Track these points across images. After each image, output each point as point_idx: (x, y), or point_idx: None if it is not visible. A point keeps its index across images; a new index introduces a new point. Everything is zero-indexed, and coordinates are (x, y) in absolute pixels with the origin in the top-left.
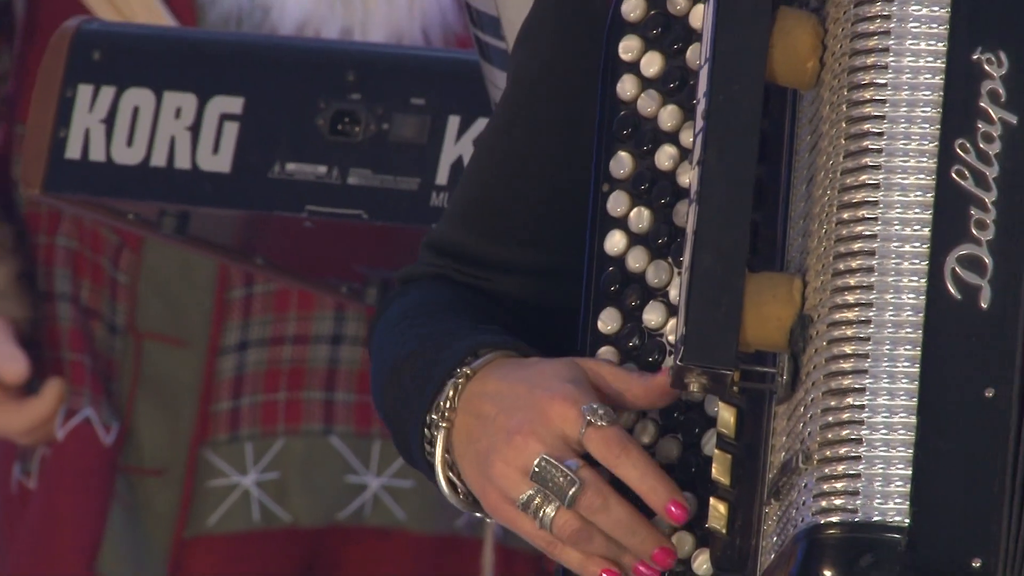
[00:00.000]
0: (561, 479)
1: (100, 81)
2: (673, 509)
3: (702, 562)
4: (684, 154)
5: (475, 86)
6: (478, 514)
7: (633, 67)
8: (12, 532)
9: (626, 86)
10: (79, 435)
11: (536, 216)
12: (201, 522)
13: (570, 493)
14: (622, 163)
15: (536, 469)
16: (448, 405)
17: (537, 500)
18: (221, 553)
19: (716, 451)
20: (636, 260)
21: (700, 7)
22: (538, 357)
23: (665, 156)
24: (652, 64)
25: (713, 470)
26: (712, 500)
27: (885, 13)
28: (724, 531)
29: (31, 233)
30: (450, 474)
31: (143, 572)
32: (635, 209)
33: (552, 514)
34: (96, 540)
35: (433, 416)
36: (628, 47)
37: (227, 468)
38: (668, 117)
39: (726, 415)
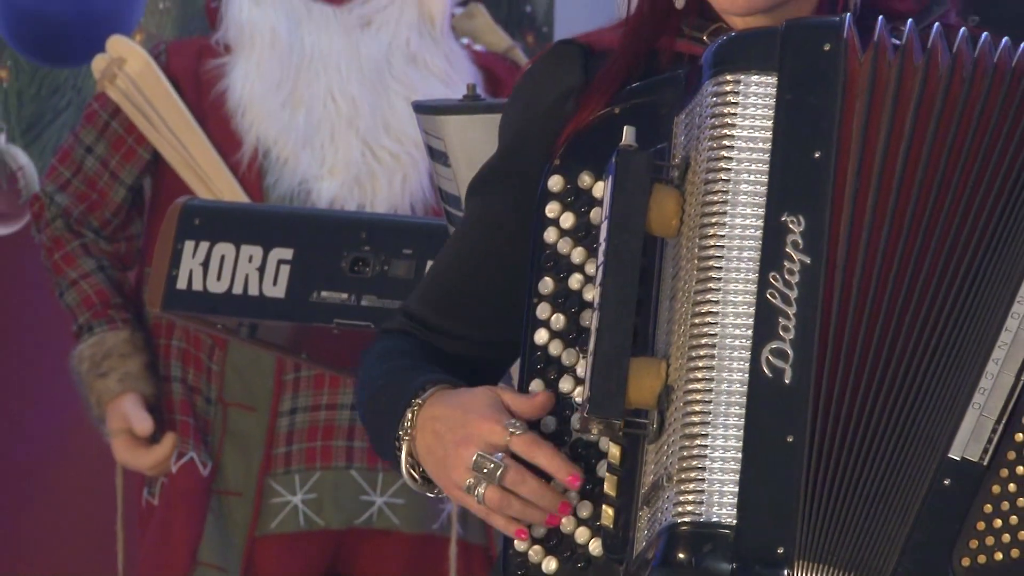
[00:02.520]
0: (491, 466)
1: (199, 238)
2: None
3: (595, 547)
4: (587, 279)
5: (444, 241)
6: (432, 492)
7: (555, 221)
8: (142, 534)
9: (550, 234)
10: (186, 469)
11: (475, 305)
12: (266, 526)
13: (497, 474)
14: (546, 284)
15: (474, 462)
16: (408, 426)
17: (474, 483)
18: (278, 547)
19: (607, 474)
20: (555, 349)
21: (601, 183)
22: (465, 388)
23: (575, 280)
24: (567, 220)
25: (604, 486)
26: (604, 506)
27: (724, 189)
28: (612, 527)
29: (155, 337)
30: (412, 471)
31: (228, 561)
32: (555, 315)
33: (484, 491)
34: (197, 539)
35: (399, 433)
36: (552, 208)
37: (283, 491)
38: (577, 255)
39: (614, 450)
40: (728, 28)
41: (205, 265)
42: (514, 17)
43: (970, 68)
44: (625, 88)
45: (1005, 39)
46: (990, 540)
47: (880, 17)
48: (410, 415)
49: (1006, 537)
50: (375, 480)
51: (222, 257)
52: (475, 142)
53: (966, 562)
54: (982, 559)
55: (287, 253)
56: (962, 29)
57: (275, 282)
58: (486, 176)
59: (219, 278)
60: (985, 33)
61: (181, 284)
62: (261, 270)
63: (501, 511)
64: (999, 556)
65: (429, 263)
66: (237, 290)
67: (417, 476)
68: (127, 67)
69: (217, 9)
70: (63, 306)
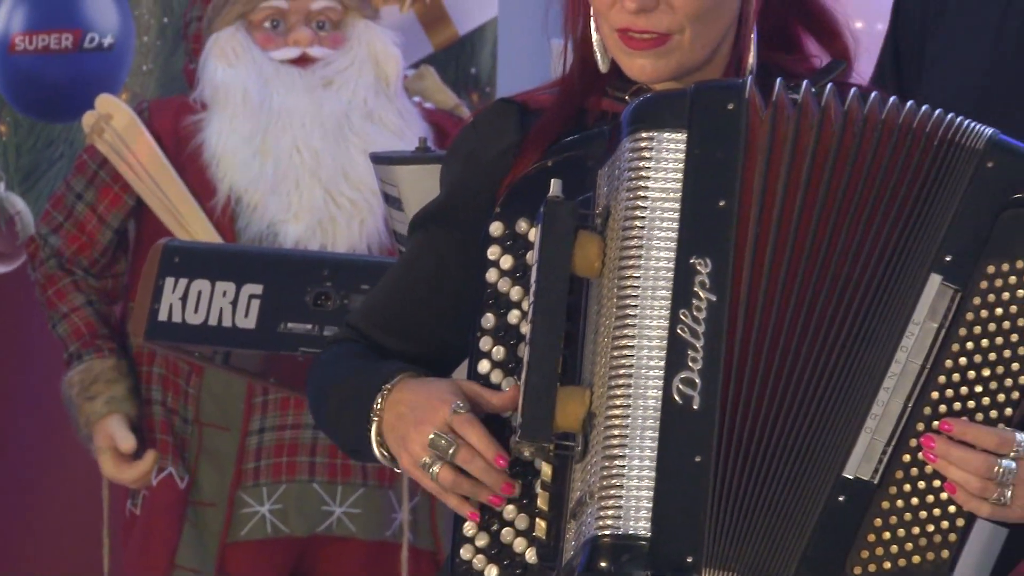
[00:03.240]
0: (444, 444)
1: (178, 275)
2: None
3: (530, 556)
4: (524, 315)
5: None
6: (397, 469)
7: (495, 263)
8: (126, 541)
9: (491, 275)
10: (165, 483)
11: (413, 326)
12: (237, 534)
13: (450, 452)
14: (488, 320)
15: (430, 440)
16: (378, 407)
17: (429, 461)
18: (248, 552)
19: (540, 491)
20: (496, 377)
21: (535, 229)
22: (431, 377)
23: (513, 316)
24: (506, 262)
25: (538, 501)
26: (538, 519)
27: (640, 235)
28: (544, 538)
29: (138, 364)
30: (380, 449)
31: (203, 565)
32: (495, 347)
33: (437, 470)
34: (175, 545)
35: (370, 415)
36: (493, 251)
37: (252, 502)
38: (515, 293)
39: (546, 469)
40: (647, 89)
41: (183, 299)
42: (460, 78)
43: (860, 123)
44: (557, 143)
45: (893, 97)
46: (880, 551)
47: (779, 79)
48: (380, 399)
49: (894, 548)
50: (335, 492)
51: (199, 292)
52: (426, 189)
53: (858, 571)
54: (872, 568)
55: (257, 288)
56: (853, 88)
57: (246, 314)
58: (430, 214)
59: (196, 311)
60: (875, 92)
61: (162, 316)
62: (234, 304)
63: (453, 489)
64: (888, 565)
65: None
66: (212, 322)
67: (385, 452)
68: (114, 122)
69: (195, 71)
70: (56, 336)
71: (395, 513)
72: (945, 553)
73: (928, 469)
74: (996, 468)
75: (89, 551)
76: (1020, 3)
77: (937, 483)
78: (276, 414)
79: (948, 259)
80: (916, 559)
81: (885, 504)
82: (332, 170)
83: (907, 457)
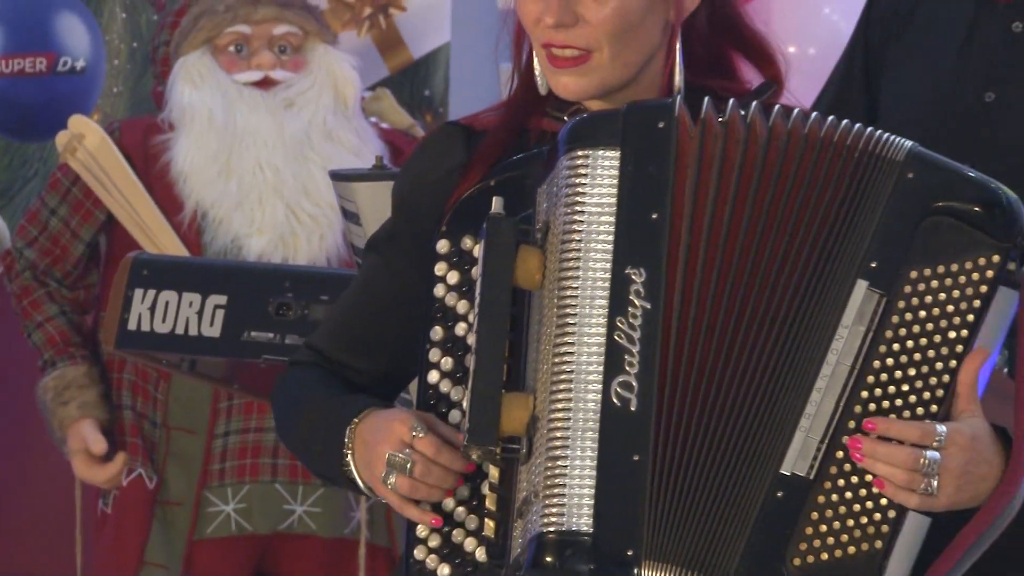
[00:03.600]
0: (401, 458)
1: (147, 287)
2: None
3: (480, 554)
4: (471, 327)
5: None
6: (370, 495)
7: (443, 279)
8: (97, 538)
9: (439, 290)
10: (135, 483)
11: (370, 344)
12: (203, 531)
13: (407, 466)
14: (437, 332)
15: (387, 458)
16: (347, 442)
17: (388, 474)
18: (214, 549)
19: (488, 492)
20: (445, 387)
21: (479, 245)
22: (392, 409)
23: (460, 328)
24: (453, 277)
25: (487, 502)
26: (486, 519)
27: (577, 248)
28: (493, 537)
29: (109, 370)
30: (357, 477)
31: (171, 561)
32: (444, 358)
33: (394, 480)
34: (144, 542)
35: (344, 451)
36: (440, 267)
37: (217, 501)
38: (462, 307)
39: (494, 472)
40: (585, 109)
41: (152, 309)
42: (415, 99)
43: (784, 138)
44: (500, 163)
45: (815, 113)
46: (817, 543)
47: (707, 98)
48: (350, 432)
49: (830, 540)
50: (296, 492)
51: (166, 303)
52: (382, 205)
53: (797, 562)
54: (811, 559)
55: (222, 299)
56: (777, 105)
57: (212, 324)
58: (382, 236)
59: (164, 320)
60: (798, 108)
61: (132, 326)
62: (200, 313)
63: (411, 494)
64: (825, 556)
65: None
66: (179, 331)
67: (364, 484)
68: (86, 142)
69: (163, 93)
70: (31, 344)
71: (353, 512)
72: (879, 544)
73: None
74: (921, 460)
75: (63, 548)
76: (980, 39)
77: (869, 477)
78: (240, 418)
79: (873, 265)
80: (851, 550)
81: (821, 498)
82: (293, 187)
83: (840, 453)
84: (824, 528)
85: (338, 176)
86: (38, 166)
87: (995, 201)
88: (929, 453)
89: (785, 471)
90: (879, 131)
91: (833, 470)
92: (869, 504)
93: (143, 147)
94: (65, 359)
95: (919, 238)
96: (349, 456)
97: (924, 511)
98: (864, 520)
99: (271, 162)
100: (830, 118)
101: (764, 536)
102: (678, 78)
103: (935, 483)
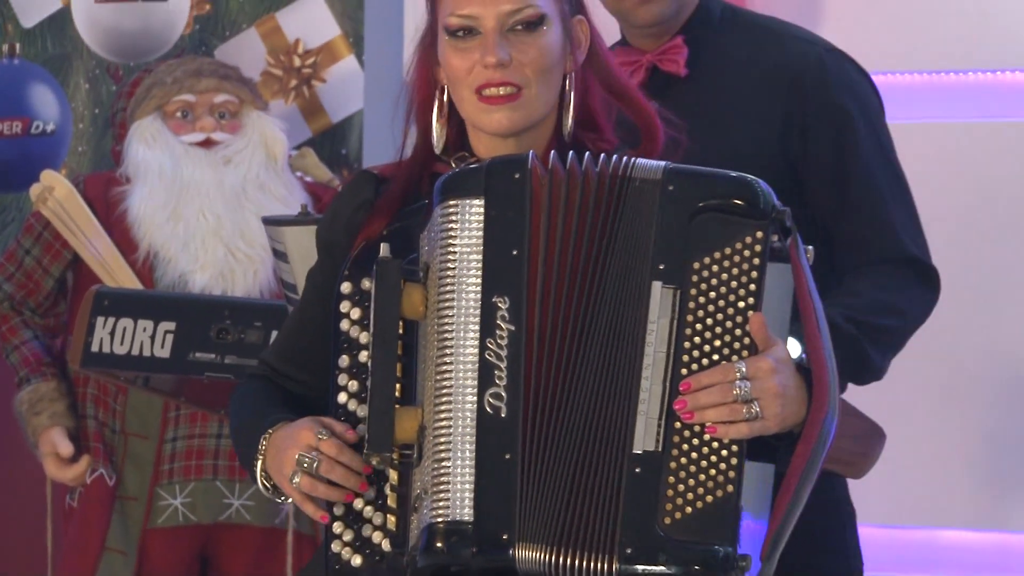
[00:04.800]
0: (308, 460)
1: (108, 315)
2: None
3: (385, 545)
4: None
5: (284, 315)
6: (280, 499)
7: (347, 315)
8: (66, 529)
9: (344, 324)
10: (97, 481)
11: (308, 359)
12: (155, 522)
13: (314, 466)
14: (343, 360)
15: (296, 459)
16: (262, 449)
17: (294, 473)
18: (164, 537)
19: (389, 492)
20: (352, 405)
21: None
22: (300, 419)
23: (363, 356)
24: (355, 313)
25: (389, 500)
26: (389, 515)
27: (452, 283)
28: (395, 530)
29: (75, 385)
30: (264, 481)
31: (128, 547)
32: (350, 382)
33: (299, 480)
34: (105, 531)
35: (256, 455)
36: (344, 305)
37: (167, 496)
38: (363, 337)
39: (393, 475)
40: (469, 155)
41: (112, 334)
42: (334, 157)
43: (595, 179)
44: (399, 212)
45: (615, 155)
46: (680, 501)
47: (553, 152)
48: (263, 442)
49: (690, 496)
50: (233, 488)
51: (124, 328)
52: (306, 246)
53: (667, 521)
54: (678, 515)
55: (171, 325)
56: (602, 154)
57: (162, 346)
58: (315, 268)
59: (122, 343)
60: (604, 154)
61: (94, 348)
62: (152, 337)
63: (311, 492)
64: (689, 510)
65: (274, 332)
66: (135, 352)
67: (268, 486)
68: (55, 193)
69: (120, 151)
70: (8, 364)
71: (283, 506)
72: (730, 488)
73: (698, 428)
74: (734, 391)
75: (35, 537)
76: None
77: (707, 436)
78: (186, 426)
79: (662, 267)
80: (709, 499)
81: (673, 465)
82: (231, 231)
83: (678, 424)
84: (682, 487)
85: (269, 221)
86: (15, 213)
87: (746, 189)
88: (739, 383)
89: (637, 450)
90: (636, 159)
91: (676, 439)
92: (713, 458)
93: (104, 197)
94: (38, 376)
95: (693, 235)
96: (259, 463)
97: (762, 436)
98: (713, 472)
99: (212, 210)
100: (614, 156)
101: (634, 507)
102: (570, 123)
103: (756, 408)
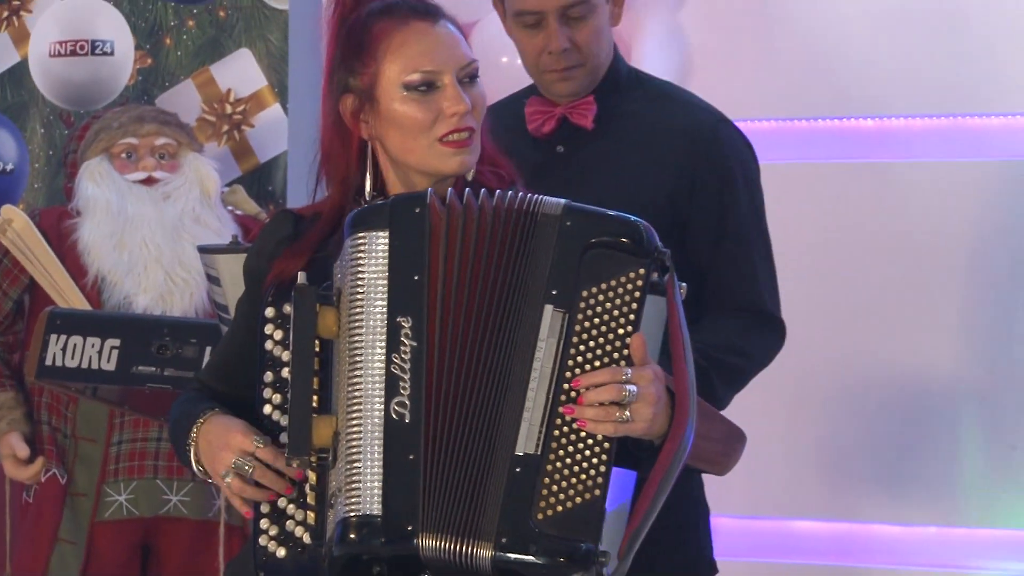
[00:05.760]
0: (241, 463)
1: (60, 332)
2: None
3: (306, 538)
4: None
5: (217, 333)
6: (208, 479)
7: (270, 336)
8: (22, 522)
9: (268, 344)
10: (51, 480)
11: (238, 376)
12: (102, 515)
13: (247, 468)
14: (268, 376)
15: (234, 462)
16: (194, 435)
17: (227, 473)
18: (110, 529)
19: (309, 491)
20: (276, 416)
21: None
22: (230, 417)
23: (285, 372)
24: (278, 335)
25: (308, 498)
26: (309, 512)
27: (361, 305)
28: (315, 524)
29: (31, 395)
30: (196, 465)
31: (78, 538)
32: (274, 395)
33: (230, 480)
34: (57, 524)
35: (189, 441)
36: (268, 328)
37: (113, 493)
38: (285, 356)
39: (312, 476)
40: (384, 195)
41: (64, 350)
42: (261, 193)
43: (491, 212)
44: (320, 245)
45: (510, 191)
46: (552, 499)
47: (450, 188)
48: (195, 430)
49: (561, 495)
50: (172, 485)
51: (75, 344)
52: (236, 272)
53: (540, 516)
54: (550, 512)
55: (117, 342)
56: (498, 191)
57: (109, 360)
58: (243, 296)
59: (73, 358)
60: (499, 190)
61: (48, 362)
62: (100, 352)
63: (240, 493)
64: (560, 508)
65: (207, 347)
66: (84, 365)
67: (200, 468)
68: (14, 225)
69: (71, 188)
70: None
71: (215, 500)
72: (597, 491)
73: (573, 436)
74: (623, 392)
75: None
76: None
77: (581, 445)
78: (130, 431)
79: (554, 293)
80: (578, 499)
81: (549, 467)
82: (170, 258)
83: (556, 432)
84: (555, 487)
85: (204, 250)
86: None
87: (634, 230)
88: (629, 387)
89: (519, 452)
90: (538, 196)
91: (554, 445)
92: (584, 464)
93: (57, 228)
94: None
95: (584, 267)
96: (192, 448)
97: (627, 447)
98: (583, 476)
99: (153, 240)
100: (509, 192)
101: (513, 503)
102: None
103: (628, 413)
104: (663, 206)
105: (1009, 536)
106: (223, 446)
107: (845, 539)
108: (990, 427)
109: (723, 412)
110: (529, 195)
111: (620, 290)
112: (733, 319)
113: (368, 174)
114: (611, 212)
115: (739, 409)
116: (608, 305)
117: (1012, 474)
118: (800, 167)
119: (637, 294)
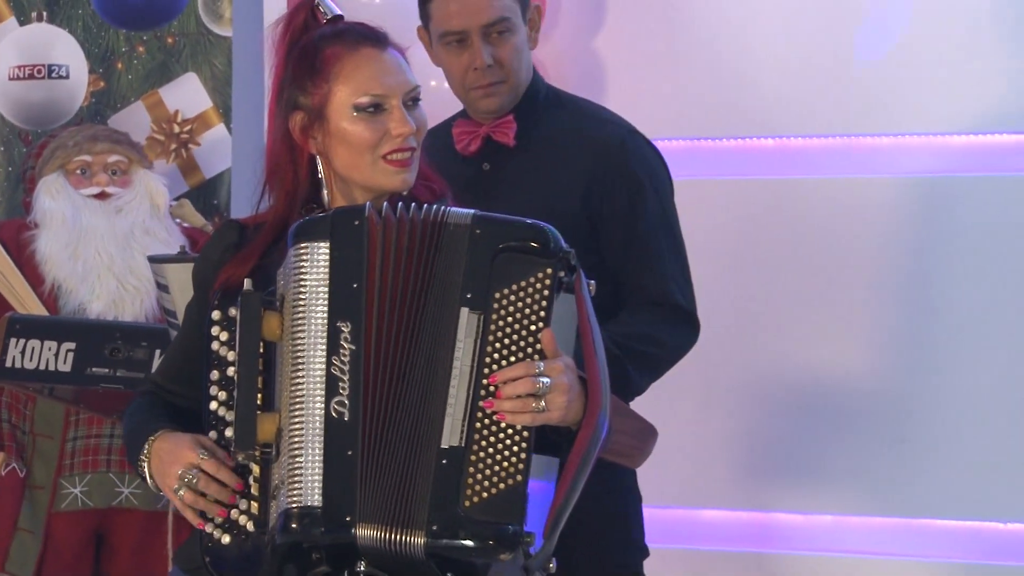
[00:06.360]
0: (190, 477)
1: (19, 336)
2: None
3: (250, 526)
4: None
5: (166, 337)
6: (159, 491)
7: (217, 337)
8: None
9: (215, 345)
10: (11, 474)
11: (188, 377)
12: (58, 507)
13: (193, 481)
14: (215, 375)
15: (179, 475)
16: (146, 452)
17: (177, 487)
18: (66, 519)
19: (253, 483)
20: (222, 412)
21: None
22: (179, 433)
23: (230, 371)
24: (223, 336)
25: (252, 490)
26: (252, 502)
27: (303, 310)
28: (259, 514)
29: None
30: (150, 480)
31: (35, 528)
32: (220, 392)
33: (183, 493)
34: (16, 514)
35: (142, 457)
36: (215, 329)
37: (68, 486)
38: (231, 356)
39: (256, 469)
40: (326, 207)
41: (23, 352)
42: (207, 206)
43: (419, 224)
44: (264, 254)
45: (435, 205)
46: (477, 487)
47: (385, 203)
48: (147, 447)
49: (486, 483)
50: (123, 479)
51: (33, 347)
52: (184, 280)
53: (467, 504)
54: (476, 499)
55: (72, 345)
56: (426, 204)
57: (65, 362)
58: (192, 301)
59: (31, 360)
60: (427, 204)
61: (8, 364)
62: (56, 355)
63: (192, 505)
64: (485, 495)
65: (157, 351)
66: (42, 367)
67: (152, 480)
68: None
69: (30, 202)
70: None
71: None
72: (519, 477)
73: (494, 428)
74: (537, 384)
75: None
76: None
77: (501, 435)
78: (84, 428)
79: (469, 296)
80: (502, 486)
81: (472, 457)
82: (122, 267)
83: (478, 424)
84: (480, 476)
85: (153, 260)
86: None
87: (539, 234)
88: (543, 379)
89: (444, 445)
90: (450, 207)
91: (476, 437)
92: (506, 452)
93: (16, 240)
94: None
95: (496, 271)
96: (145, 464)
97: (546, 433)
98: (505, 464)
99: (106, 250)
100: (425, 206)
101: (441, 492)
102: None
103: (543, 403)
104: (578, 213)
105: (900, 524)
106: (173, 461)
107: (750, 527)
108: (882, 422)
109: (639, 408)
110: (443, 207)
111: (530, 290)
112: (647, 312)
113: (325, 188)
114: (517, 219)
115: (652, 405)
116: (520, 304)
117: (901, 465)
118: (707, 183)
119: (546, 292)
